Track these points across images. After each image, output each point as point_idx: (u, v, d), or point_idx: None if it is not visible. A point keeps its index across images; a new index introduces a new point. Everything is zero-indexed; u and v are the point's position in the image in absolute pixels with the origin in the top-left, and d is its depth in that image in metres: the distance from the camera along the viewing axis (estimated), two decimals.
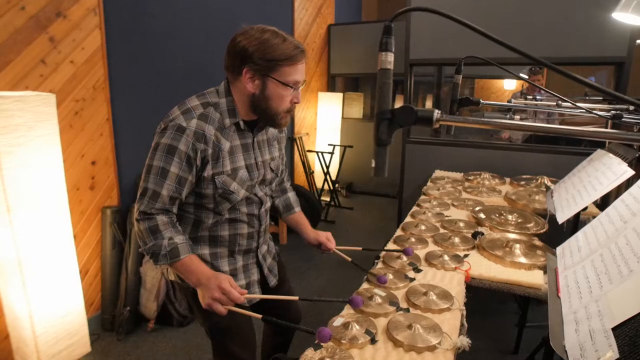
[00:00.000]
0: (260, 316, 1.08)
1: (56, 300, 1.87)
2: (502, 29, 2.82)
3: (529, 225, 1.94)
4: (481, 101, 1.11)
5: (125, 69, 2.45)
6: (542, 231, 1.89)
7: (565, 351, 0.89)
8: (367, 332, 1.10)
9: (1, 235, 1.72)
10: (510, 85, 5.65)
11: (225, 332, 1.32)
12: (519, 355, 2.32)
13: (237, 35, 1.11)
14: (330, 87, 5.37)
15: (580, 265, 1.17)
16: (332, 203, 4.78)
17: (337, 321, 1.14)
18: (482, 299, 2.93)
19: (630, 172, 1.36)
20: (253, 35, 1.09)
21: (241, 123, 1.20)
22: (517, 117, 1.70)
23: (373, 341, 1.08)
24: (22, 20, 1.92)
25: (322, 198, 4.90)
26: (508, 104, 1.35)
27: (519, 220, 1.98)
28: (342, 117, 5.29)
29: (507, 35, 2.81)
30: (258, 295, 1.31)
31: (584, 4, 2.63)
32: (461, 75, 1.12)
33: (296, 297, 1.20)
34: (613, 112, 1.28)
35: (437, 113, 0.52)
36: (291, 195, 1.57)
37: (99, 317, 2.44)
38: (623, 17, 1.25)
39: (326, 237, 1.47)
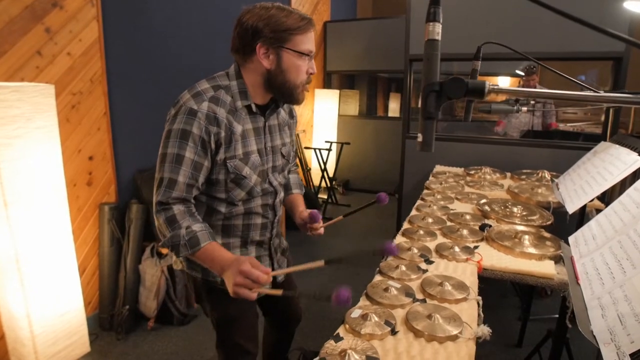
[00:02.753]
0: (280, 292, 1.03)
1: (55, 299, 1.82)
2: (501, 24, 2.82)
3: (534, 218, 1.94)
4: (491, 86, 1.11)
5: (123, 61, 2.39)
6: (547, 223, 1.90)
7: (594, 336, 0.88)
8: (387, 322, 1.08)
9: None
10: (504, 82, 5.70)
11: (232, 323, 1.31)
12: (522, 348, 2.33)
13: (242, 15, 1.11)
14: (327, 84, 5.35)
15: (598, 253, 1.17)
16: (329, 200, 4.76)
17: (355, 312, 1.12)
18: (482, 292, 2.94)
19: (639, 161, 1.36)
20: (259, 13, 1.09)
21: (253, 106, 1.18)
22: (524, 109, 1.70)
23: (393, 332, 1.06)
24: (17, 10, 1.86)
25: (319, 195, 4.87)
26: (518, 89, 1.33)
27: (524, 213, 1.98)
28: (338, 115, 5.27)
29: (507, 30, 2.82)
30: (284, 270, 1.32)
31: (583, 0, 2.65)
32: (479, 62, 1.11)
33: (321, 262, 1.09)
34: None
35: (488, 84, 0.50)
36: (292, 177, 1.51)
37: (97, 317, 2.37)
38: (634, 6, 1.25)
39: (309, 215, 1.37)
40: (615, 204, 1.26)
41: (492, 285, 3.15)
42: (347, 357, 0.92)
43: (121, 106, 2.41)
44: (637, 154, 1.43)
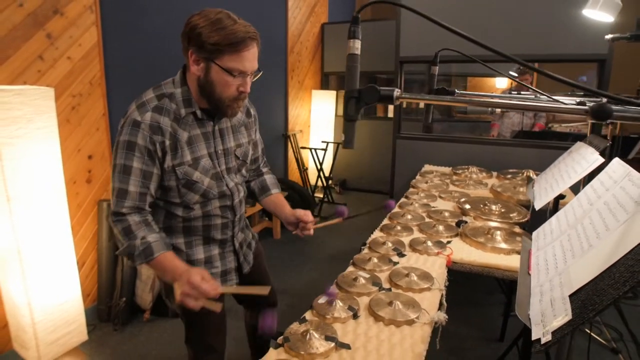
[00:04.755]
0: (219, 306, 1.04)
1: (54, 289, 1.93)
2: (487, 26, 2.90)
3: (512, 215, 2.02)
4: (456, 91, 1.19)
5: (121, 65, 2.51)
6: (524, 220, 1.97)
7: (529, 319, 0.97)
8: (350, 308, 1.17)
9: (1, 225, 1.78)
10: (501, 83, 5.75)
11: (198, 321, 1.33)
12: (504, 342, 2.40)
13: (190, 16, 1.09)
14: (324, 85, 5.44)
15: (551, 246, 1.25)
16: (326, 199, 4.85)
17: (322, 299, 1.21)
18: (470, 290, 3.01)
19: (601, 160, 1.44)
20: (206, 15, 1.06)
21: (198, 112, 1.17)
22: (498, 110, 1.78)
23: (355, 316, 1.15)
24: (20, 17, 1.97)
25: (316, 194, 4.96)
26: (483, 94, 1.42)
27: (503, 210, 2.06)
28: (336, 115, 5.36)
29: (493, 33, 2.90)
30: (230, 289, 1.28)
31: (567, 3, 2.72)
32: (437, 67, 1.19)
33: (268, 288, 1.07)
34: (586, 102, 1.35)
35: (397, 91, 0.59)
36: (268, 177, 1.50)
37: (96, 308, 2.49)
38: (592, 14, 1.33)
39: (304, 213, 1.36)
40: (573, 201, 1.34)
41: (479, 283, 3.22)
42: (308, 336, 1.02)
43: (119, 107, 2.52)
44: (598, 153, 1.50)
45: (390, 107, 6.60)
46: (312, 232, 1.38)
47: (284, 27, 4.41)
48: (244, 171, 1.37)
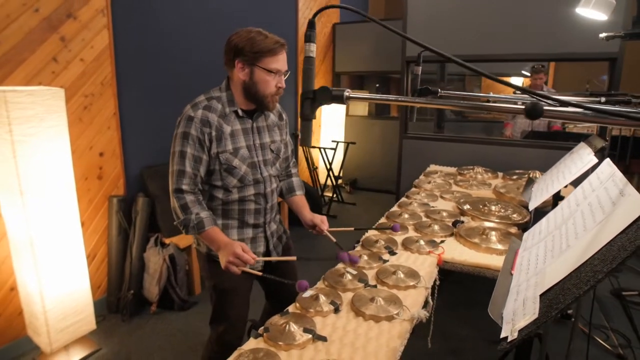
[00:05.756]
0: (261, 273, 1.36)
1: (64, 279, 2.03)
2: (496, 24, 2.87)
3: (513, 216, 2.00)
4: (440, 91, 1.20)
5: (131, 66, 2.60)
6: (523, 221, 1.96)
7: (502, 318, 0.98)
8: (332, 302, 1.20)
9: (15, 217, 1.89)
10: (515, 83, 5.64)
11: (225, 293, 1.52)
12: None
13: (230, 36, 1.37)
14: (335, 85, 5.47)
15: (536, 246, 1.25)
16: (335, 198, 4.88)
17: (307, 293, 1.25)
18: (473, 291, 2.98)
19: (594, 161, 1.42)
20: (242, 35, 1.34)
21: (239, 111, 1.43)
22: None
23: (337, 311, 1.18)
24: (35, 22, 2.08)
25: (326, 193, 5.00)
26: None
27: (502, 211, 2.05)
28: (347, 115, 5.38)
29: (502, 31, 2.87)
30: (266, 258, 1.52)
31: (578, 1, 2.66)
32: (420, 67, 1.21)
33: (294, 257, 1.47)
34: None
35: (347, 92, 0.62)
36: (295, 179, 1.72)
37: (105, 300, 2.59)
38: (585, 12, 1.31)
39: (320, 220, 1.57)
40: (564, 202, 1.34)
41: (482, 284, 3.19)
42: (287, 328, 1.05)
43: (130, 107, 2.63)
44: (593, 154, 1.48)
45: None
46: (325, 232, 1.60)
47: (294, 27, 4.46)
48: (277, 165, 1.57)
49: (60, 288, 2.02)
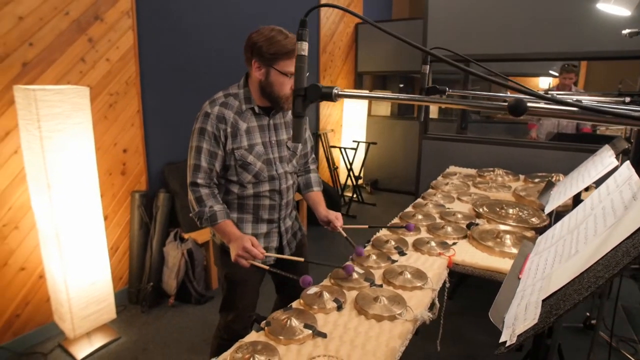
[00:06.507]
0: (268, 267, 1.38)
1: (87, 270, 2.13)
2: (522, 24, 2.79)
3: (531, 219, 1.94)
4: (447, 89, 1.18)
5: (155, 66, 2.69)
6: (542, 225, 1.89)
7: (503, 322, 0.96)
8: (336, 300, 1.21)
9: (43, 209, 1.99)
10: (545, 83, 5.46)
11: (235, 284, 1.56)
12: (522, 352, 2.31)
13: (251, 33, 1.38)
14: (358, 85, 5.45)
15: (547, 250, 1.22)
16: (355, 198, 4.87)
17: (311, 290, 1.26)
18: (489, 295, 2.90)
19: (615, 163, 1.36)
20: (263, 33, 1.34)
21: (256, 108, 1.45)
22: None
23: (339, 308, 1.19)
24: (65, 24, 2.19)
25: (346, 193, 4.99)
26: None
27: (521, 214, 1.99)
28: (369, 115, 5.35)
29: (529, 30, 2.78)
30: (273, 254, 1.54)
31: None
32: (428, 66, 1.20)
33: (302, 259, 1.48)
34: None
35: (336, 89, 0.62)
36: (313, 176, 1.73)
37: (127, 291, 2.70)
38: (606, 7, 1.26)
39: (335, 217, 1.59)
40: (580, 205, 1.29)
41: (496, 288, 3.09)
42: (288, 323, 1.07)
43: (153, 105, 2.72)
44: (614, 156, 1.42)
45: (431, 108, 6.47)
46: (340, 230, 1.60)
47: (316, 27, 4.48)
48: (294, 162, 1.59)
49: (83, 278, 2.11)
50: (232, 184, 1.47)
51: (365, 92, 0.65)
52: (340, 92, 0.63)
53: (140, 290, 2.64)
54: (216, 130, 1.39)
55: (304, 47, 0.65)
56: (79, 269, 2.09)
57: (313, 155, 1.74)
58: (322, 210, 1.62)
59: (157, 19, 2.67)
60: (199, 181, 1.41)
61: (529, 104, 0.52)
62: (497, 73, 1.16)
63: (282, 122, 1.54)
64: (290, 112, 1.55)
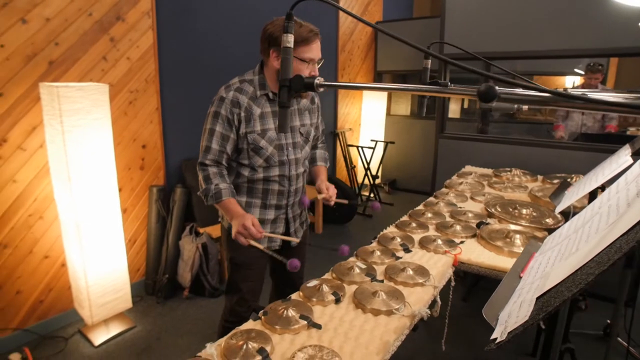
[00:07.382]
0: (262, 247, 1.40)
1: (104, 259, 2.21)
2: (543, 21, 2.71)
3: (546, 220, 1.89)
4: (449, 84, 1.16)
5: (173, 64, 2.77)
6: (556, 225, 1.84)
7: (497, 320, 0.95)
8: (334, 293, 1.22)
9: (65, 201, 2.09)
10: (571, 82, 5.26)
11: (240, 267, 1.61)
12: (536, 358, 2.25)
13: (266, 25, 1.43)
14: None
15: (551, 249, 1.20)
16: (372, 198, 4.84)
17: (311, 283, 1.27)
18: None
19: (629, 161, 1.31)
20: (277, 23, 1.39)
21: (270, 94, 1.49)
22: (525, 107, 1.68)
23: (337, 301, 1.20)
24: (89, 24, 2.29)
25: (363, 193, 4.98)
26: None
27: (535, 215, 1.94)
28: (389, 114, 5.31)
29: (550, 27, 2.70)
30: (270, 234, 1.56)
31: None
32: (429, 60, 1.19)
33: (297, 239, 1.53)
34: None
35: (317, 79, 0.63)
36: (319, 152, 1.78)
37: (144, 282, 2.79)
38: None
39: (326, 187, 1.62)
40: (589, 205, 1.26)
41: None
42: (285, 312, 1.09)
43: (171, 103, 2.80)
44: (630, 155, 1.36)
45: (452, 108, 6.36)
46: (332, 203, 1.64)
47: (335, 26, 4.49)
48: (307, 148, 1.63)
49: (101, 267, 2.20)
50: (243, 167, 1.51)
51: (346, 83, 0.66)
52: (322, 83, 0.64)
53: (156, 281, 2.72)
54: (230, 114, 1.43)
55: (290, 40, 0.67)
56: (98, 258, 2.18)
57: (323, 137, 1.81)
58: (318, 181, 1.66)
59: (176, 19, 2.75)
60: (207, 162, 1.47)
61: (503, 91, 0.51)
62: (505, 70, 1.14)
63: (296, 108, 1.58)
64: (303, 100, 1.59)
